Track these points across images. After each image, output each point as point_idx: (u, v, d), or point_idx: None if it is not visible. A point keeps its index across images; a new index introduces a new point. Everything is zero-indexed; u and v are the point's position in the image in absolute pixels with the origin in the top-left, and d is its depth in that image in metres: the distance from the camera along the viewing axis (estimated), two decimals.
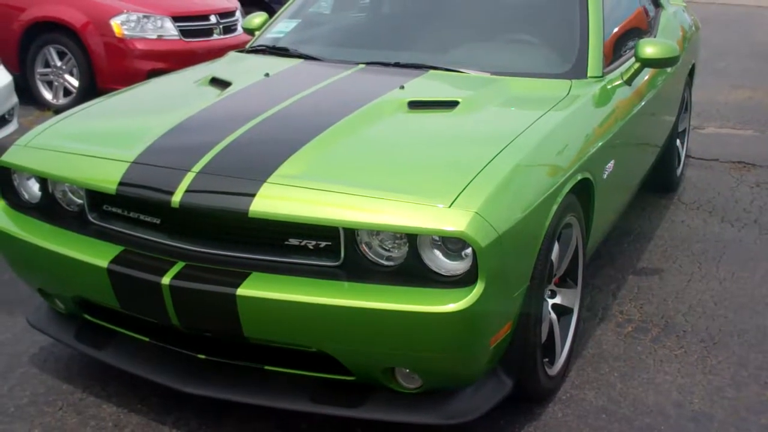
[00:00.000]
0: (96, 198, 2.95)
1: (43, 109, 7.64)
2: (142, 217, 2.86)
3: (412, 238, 2.57)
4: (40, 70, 7.78)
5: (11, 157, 3.11)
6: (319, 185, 2.63)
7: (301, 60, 3.88)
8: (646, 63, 3.79)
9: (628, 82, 3.84)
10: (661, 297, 4.09)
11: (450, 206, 2.52)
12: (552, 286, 3.25)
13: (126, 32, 7.41)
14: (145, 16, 7.52)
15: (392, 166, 2.78)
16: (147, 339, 3.00)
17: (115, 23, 7.40)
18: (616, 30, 4.11)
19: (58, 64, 7.68)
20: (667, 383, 3.33)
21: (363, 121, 3.06)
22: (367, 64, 3.74)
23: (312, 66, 3.79)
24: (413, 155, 2.86)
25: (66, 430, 2.98)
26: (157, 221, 2.83)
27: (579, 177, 3.12)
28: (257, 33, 4.45)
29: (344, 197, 2.58)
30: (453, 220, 2.48)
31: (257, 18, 4.60)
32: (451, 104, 3.22)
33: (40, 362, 3.40)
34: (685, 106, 5.59)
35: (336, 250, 2.63)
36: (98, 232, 2.95)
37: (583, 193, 3.28)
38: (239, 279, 2.63)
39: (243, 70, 3.75)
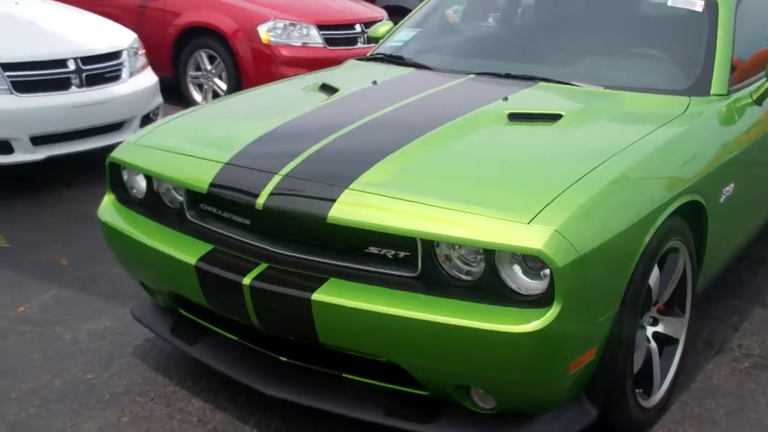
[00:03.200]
0: (194, 197, 3.02)
1: None
2: (233, 217, 2.91)
3: (489, 254, 2.48)
4: (191, 73, 8.11)
5: (121, 153, 3.24)
6: (399, 194, 2.59)
7: (413, 69, 3.85)
8: None
9: (758, 101, 3.60)
10: None
11: (529, 222, 2.42)
12: (654, 314, 3.07)
13: (272, 39, 7.62)
14: (291, 24, 7.70)
15: (479, 178, 2.71)
16: (235, 338, 3.04)
17: (263, 30, 7.62)
18: (751, 48, 3.86)
19: (208, 67, 7.98)
20: None
21: (457, 132, 3.00)
22: (478, 74, 3.67)
23: (422, 75, 3.75)
24: (503, 168, 2.77)
25: (153, 421, 3.06)
26: (247, 222, 2.86)
27: (686, 199, 2.94)
28: (380, 41, 4.46)
29: (422, 207, 2.53)
30: (530, 238, 2.38)
31: (382, 27, 4.62)
32: (554, 117, 3.10)
33: (143, 354, 3.52)
34: None
35: (414, 261, 2.58)
36: (194, 230, 3.02)
37: (693, 216, 3.09)
38: (316, 284, 2.62)
39: (353, 78, 3.77)
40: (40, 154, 5.45)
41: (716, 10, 3.68)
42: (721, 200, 3.24)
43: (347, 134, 2.99)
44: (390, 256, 2.62)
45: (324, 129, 3.04)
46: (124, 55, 6.07)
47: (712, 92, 3.44)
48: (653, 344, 3.03)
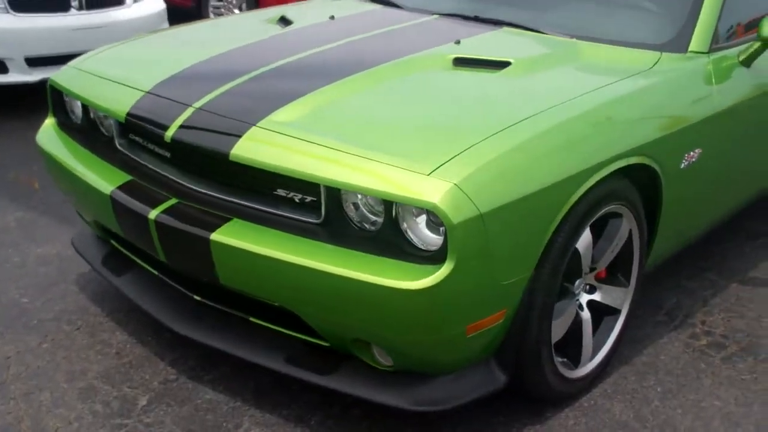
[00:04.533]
0: (122, 126, 2.93)
1: None
2: (153, 148, 2.81)
3: (390, 205, 2.35)
4: (213, 2, 8.00)
5: (59, 77, 3.16)
6: (304, 135, 2.46)
7: (381, 6, 3.68)
8: None
9: (746, 63, 3.34)
10: (759, 312, 3.59)
11: (429, 174, 2.27)
12: (591, 281, 2.91)
13: None
14: None
15: (395, 124, 2.55)
16: (156, 273, 2.97)
17: None
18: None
19: None
20: (713, 409, 2.91)
21: (391, 74, 2.84)
22: (444, 15, 3.48)
23: (385, 13, 3.58)
24: (424, 116, 2.60)
25: (72, 349, 3.02)
26: (166, 154, 2.77)
27: (631, 161, 2.74)
28: None
29: (326, 151, 2.40)
30: (426, 190, 2.24)
31: None
32: (501, 65, 2.92)
33: (84, 283, 3.48)
34: None
35: (318, 207, 2.46)
36: (121, 160, 2.94)
37: (645, 181, 2.90)
38: (217, 224, 2.53)
39: (316, 12, 3.61)
40: (35, 75, 5.43)
41: None
42: (682, 166, 3.03)
43: (275, 69, 2.87)
44: (297, 200, 2.51)
45: (254, 62, 2.92)
46: None
47: (690, 49, 3.20)
48: (586, 313, 2.87)
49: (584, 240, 2.68)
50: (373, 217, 2.42)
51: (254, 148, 2.48)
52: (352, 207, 2.43)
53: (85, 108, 3.10)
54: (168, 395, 2.78)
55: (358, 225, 2.43)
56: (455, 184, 2.25)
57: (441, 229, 2.30)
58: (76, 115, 3.18)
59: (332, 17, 3.46)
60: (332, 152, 2.39)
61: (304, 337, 2.62)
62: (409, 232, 2.36)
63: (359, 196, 2.41)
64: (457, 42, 3.10)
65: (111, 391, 2.78)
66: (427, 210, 2.31)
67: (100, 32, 5.63)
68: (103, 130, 3.08)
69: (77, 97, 3.02)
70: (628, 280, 3.01)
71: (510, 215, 2.35)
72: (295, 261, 2.38)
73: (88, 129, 3.13)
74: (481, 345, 2.51)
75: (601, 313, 3.00)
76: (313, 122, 2.53)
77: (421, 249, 2.34)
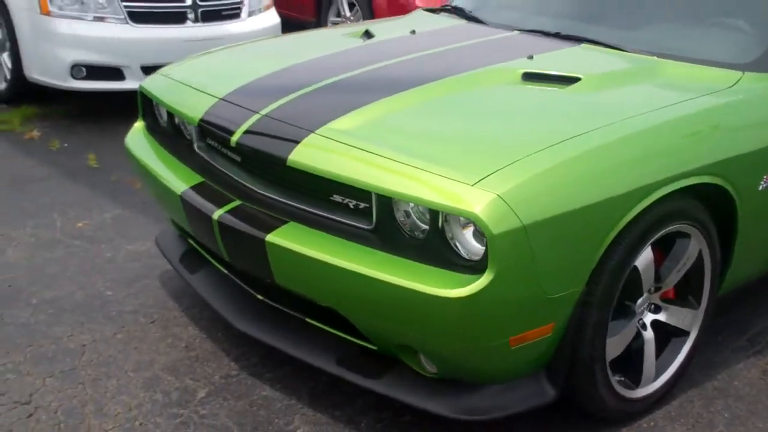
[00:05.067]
0: (200, 130, 3.06)
1: None
2: (226, 152, 2.93)
3: (436, 214, 2.37)
4: (332, 18, 8.19)
5: (149, 83, 3.33)
6: (358, 143, 2.51)
7: (464, 21, 3.70)
8: None
9: None
10: None
11: (474, 185, 2.28)
12: (656, 300, 2.84)
13: None
14: None
15: (448, 136, 2.57)
16: (225, 271, 3.08)
17: None
18: None
19: (348, 14, 8.03)
20: None
21: (455, 87, 2.86)
22: (525, 31, 3.48)
23: (468, 28, 3.61)
24: (480, 128, 2.62)
25: (144, 341, 3.17)
26: (236, 158, 2.88)
27: (699, 180, 2.67)
28: None
29: (376, 159, 2.45)
30: (469, 200, 2.25)
31: None
32: (570, 80, 2.89)
33: (166, 279, 3.64)
34: None
35: (370, 213, 2.51)
36: (199, 162, 3.07)
37: (718, 201, 2.81)
38: (274, 226, 2.61)
39: (400, 26, 3.68)
40: None
41: None
42: (760, 188, 2.92)
43: (343, 80, 2.94)
44: (351, 206, 2.56)
45: (325, 73, 3.00)
46: None
47: None
48: (649, 333, 2.81)
49: (645, 258, 2.63)
50: (423, 226, 2.45)
51: (311, 154, 2.55)
52: (403, 214, 2.47)
53: (171, 113, 3.25)
54: (226, 389, 2.88)
55: (408, 233, 2.46)
56: (498, 195, 2.25)
57: (484, 239, 2.31)
58: (163, 120, 3.34)
59: (413, 32, 3.51)
60: (383, 160, 2.44)
61: (354, 339, 2.67)
62: (455, 242, 2.37)
63: (410, 205, 2.44)
64: (530, 57, 3.09)
65: (174, 382, 2.90)
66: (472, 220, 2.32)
67: (214, 44, 5.77)
68: (186, 134, 3.22)
69: (161, 102, 3.17)
70: (698, 302, 2.93)
71: (557, 229, 2.34)
72: (343, 265, 2.43)
73: (173, 133, 3.28)
74: (528, 357, 2.49)
75: (669, 334, 2.92)
76: (370, 131, 2.58)
77: (465, 258, 2.36)
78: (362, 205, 2.52)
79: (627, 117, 2.65)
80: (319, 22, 8.25)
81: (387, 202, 2.45)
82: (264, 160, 2.69)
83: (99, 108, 6.08)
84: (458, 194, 2.28)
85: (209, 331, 3.24)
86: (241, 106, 2.83)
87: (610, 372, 2.67)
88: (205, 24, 5.91)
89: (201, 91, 3.03)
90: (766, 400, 3.00)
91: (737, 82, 2.98)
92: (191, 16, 5.84)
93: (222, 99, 2.91)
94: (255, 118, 2.74)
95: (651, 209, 2.55)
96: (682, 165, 2.62)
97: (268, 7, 6.49)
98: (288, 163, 2.56)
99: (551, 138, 2.48)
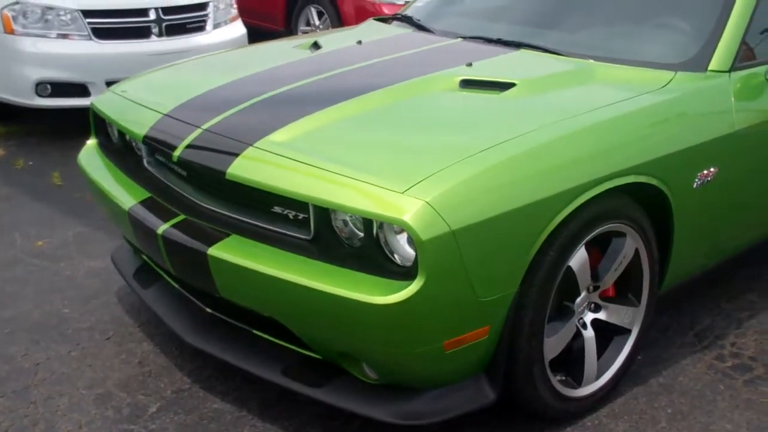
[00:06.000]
0: (148, 145, 3.11)
1: None
2: (172, 167, 2.97)
3: (369, 221, 2.43)
4: (302, 27, 8.25)
5: (99, 100, 3.37)
6: (294, 155, 2.56)
7: (412, 30, 3.76)
8: None
9: None
10: None
11: (404, 192, 2.34)
12: (596, 299, 2.90)
13: None
14: None
15: (383, 145, 2.64)
16: (176, 286, 3.13)
17: None
18: None
19: (317, 23, 8.09)
20: None
21: (393, 96, 2.92)
22: (468, 38, 3.53)
23: (413, 36, 3.66)
24: (414, 136, 2.67)
25: (98, 357, 3.20)
26: (182, 173, 2.92)
27: (631, 180, 2.73)
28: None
29: (312, 170, 2.50)
30: (399, 208, 2.31)
31: None
32: (505, 86, 2.95)
33: (123, 295, 3.68)
34: None
35: (309, 223, 2.56)
36: (147, 178, 3.11)
37: (654, 200, 2.88)
38: (216, 239, 2.66)
39: (348, 36, 3.73)
40: None
41: None
42: (695, 185, 2.99)
43: (286, 92, 2.99)
44: (291, 217, 2.61)
45: (269, 85, 3.06)
46: (210, 7, 6.25)
47: (710, 68, 3.15)
48: (589, 332, 2.86)
49: (579, 258, 2.69)
50: (361, 234, 2.50)
51: (249, 167, 2.60)
52: (341, 223, 2.52)
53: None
54: (177, 404, 2.92)
55: (347, 241, 2.51)
56: (427, 201, 2.30)
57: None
58: (115, 136, 3.38)
59: (359, 42, 3.56)
60: (318, 171, 2.49)
61: (298, 349, 2.72)
62: (390, 248, 2.43)
63: (347, 213, 2.50)
64: (469, 64, 3.15)
65: (125, 398, 2.94)
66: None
67: (179, 57, 5.81)
68: (136, 150, 3.26)
69: (110, 119, 3.22)
70: (639, 299, 2.98)
71: (486, 233, 2.39)
72: (281, 276, 2.48)
73: (124, 150, 3.32)
74: (465, 361, 2.55)
75: (611, 332, 2.98)
76: (306, 143, 2.64)
77: (400, 265, 2.41)
78: (301, 215, 2.57)
79: (558, 120, 2.71)
80: (289, 31, 8.30)
81: (324, 212, 2.50)
82: (205, 174, 2.74)
83: (65, 126, 6.11)
84: (388, 202, 2.33)
85: (164, 346, 3.28)
86: (183, 121, 2.88)
87: (550, 372, 2.73)
88: (170, 38, 5.95)
89: (147, 107, 3.07)
90: (710, 394, 3.06)
91: (669, 82, 3.05)
92: (155, 30, 5.89)
93: (166, 114, 2.96)
94: (196, 132, 2.79)
95: (582, 210, 2.61)
96: (613, 165, 2.68)
97: (233, 19, 6.53)
98: (227, 177, 2.61)
99: (482, 143, 2.53)
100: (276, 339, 2.78)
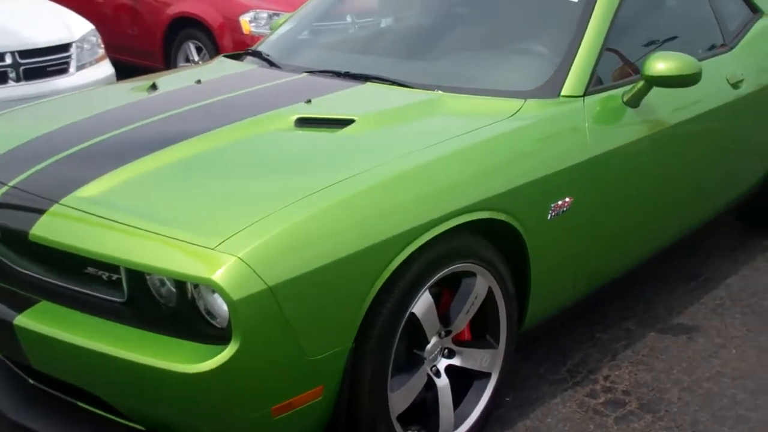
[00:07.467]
0: None
1: None
2: None
3: (181, 281, 2.21)
4: (181, 64, 7.99)
5: None
6: (101, 212, 2.34)
7: (256, 66, 3.57)
8: (654, 82, 3.11)
9: (632, 103, 3.17)
10: (670, 363, 3.37)
11: (215, 248, 2.13)
12: (449, 344, 2.73)
13: (254, 29, 7.40)
14: (274, 14, 7.47)
15: (200, 195, 2.41)
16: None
17: (244, 20, 7.41)
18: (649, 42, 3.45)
19: (196, 59, 7.85)
20: None
21: (224, 138, 2.71)
22: (314, 72, 3.35)
23: (257, 73, 3.46)
24: (238, 183, 2.47)
25: None
26: None
27: (477, 216, 2.58)
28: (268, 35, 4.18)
29: (119, 227, 2.28)
30: (207, 266, 2.10)
31: (282, 19, 4.33)
32: (344, 123, 2.77)
33: None
34: None
35: (122, 285, 2.33)
36: None
37: (505, 235, 2.73)
38: (23, 307, 2.41)
39: (190, 76, 3.51)
40: None
41: (594, 3, 3.27)
42: (549, 217, 2.85)
43: (105, 140, 2.75)
44: (105, 278, 2.38)
45: (90, 133, 2.82)
46: (73, 48, 5.96)
47: (562, 93, 3.04)
48: (443, 380, 2.69)
49: (423, 303, 2.52)
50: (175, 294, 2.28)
51: (53, 226, 2.37)
52: (158, 283, 2.30)
53: None
54: None
55: (164, 303, 2.29)
56: (239, 257, 2.11)
57: None
58: None
59: (198, 81, 3.35)
60: (125, 228, 2.27)
61: (123, 421, 2.48)
62: (207, 309, 2.22)
63: None
64: (308, 101, 2.96)
65: None
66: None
67: None
68: None
69: None
70: (497, 341, 2.83)
71: (311, 286, 2.20)
72: (90, 346, 2.26)
73: None
74: (299, 426, 2.35)
75: (471, 377, 2.82)
76: (117, 197, 2.41)
77: (217, 327, 2.20)
78: (115, 276, 2.35)
79: (396, 157, 2.55)
80: (168, 68, 8.04)
81: (137, 273, 2.28)
82: (7, 236, 2.49)
83: None
84: (198, 260, 2.13)
85: None
86: None
87: (399, 428, 2.55)
88: (29, 82, 5.64)
89: None
90: None
91: (518, 110, 2.92)
92: (12, 75, 5.57)
93: None
94: (3, 190, 2.54)
95: (423, 252, 2.44)
96: (455, 202, 2.53)
97: (100, 59, 6.24)
98: (30, 238, 2.37)
99: (309, 187, 2.35)
100: (99, 410, 2.52)
